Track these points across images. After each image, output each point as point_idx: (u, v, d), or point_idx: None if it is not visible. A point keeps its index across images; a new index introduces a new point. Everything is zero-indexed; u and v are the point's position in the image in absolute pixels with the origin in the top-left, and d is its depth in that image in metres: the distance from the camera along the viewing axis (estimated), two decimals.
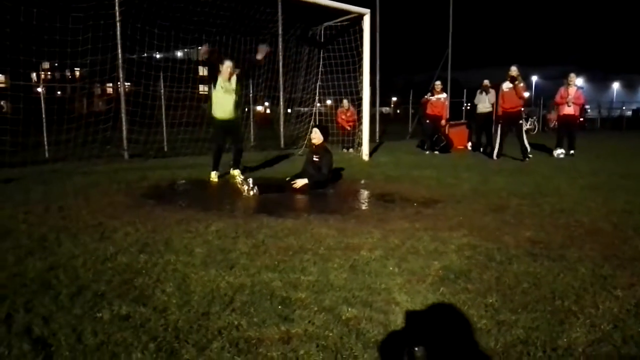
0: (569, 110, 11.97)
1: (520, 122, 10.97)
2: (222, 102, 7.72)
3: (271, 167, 9.70)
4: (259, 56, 7.83)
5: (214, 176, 7.84)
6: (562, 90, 12.12)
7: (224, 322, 2.51)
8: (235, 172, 7.77)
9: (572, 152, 12.06)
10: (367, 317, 2.57)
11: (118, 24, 10.73)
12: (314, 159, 7.16)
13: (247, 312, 2.63)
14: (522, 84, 10.81)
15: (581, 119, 35.15)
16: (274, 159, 10.98)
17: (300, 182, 6.85)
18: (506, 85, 10.99)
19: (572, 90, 11.95)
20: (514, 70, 10.85)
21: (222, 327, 2.46)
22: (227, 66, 7.71)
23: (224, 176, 8.03)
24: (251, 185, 6.52)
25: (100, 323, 2.50)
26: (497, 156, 11.07)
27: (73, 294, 2.88)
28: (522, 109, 11.08)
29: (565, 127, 12.19)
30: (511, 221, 4.89)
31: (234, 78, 7.80)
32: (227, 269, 3.35)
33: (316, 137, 7.26)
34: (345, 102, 14.14)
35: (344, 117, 14.42)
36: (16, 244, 3.96)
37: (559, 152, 11.98)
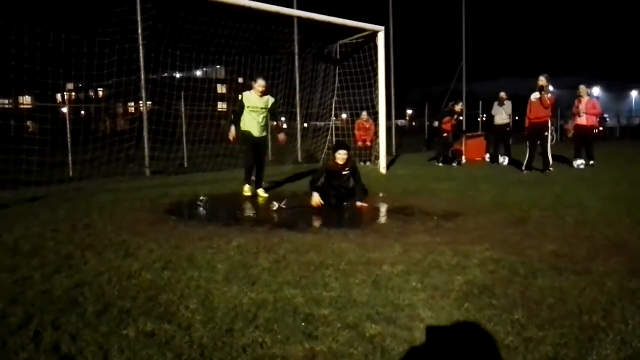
0: (581, 120, 12.00)
1: (546, 133, 10.72)
2: (253, 121, 7.70)
3: (292, 182, 9.71)
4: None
5: (247, 189, 7.84)
6: (575, 102, 12.23)
7: (247, 339, 2.51)
8: (260, 192, 7.85)
9: (591, 162, 11.91)
10: (391, 334, 2.55)
11: (141, 47, 11.03)
12: (343, 172, 6.96)
13: (271, 328, 2.64)
14: (548, 95, 10.59)
15: (600, 128, 34.87)
16: (293, 173, 11.01)
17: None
18: (534, 96, 10.80)
19: (584, 101, 11.99)
20: (542, 80, 10.60)
21: (247, 344, 2.46)
22: (259, 85, 7.67)
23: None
24: (282, 204, 6.62)
25: (126, 340, 2.52)
26: (527, 168, 10.90)
27: (99, 311, 2.92)
28: (549, 120, 10.87)
29: (580, 137, 12.13)
30: (533, 234, 4.83)
31: (267, 97, 7.78)
32: (250, 284, 3.37)
33: (345, 157, 6.91)
34: (364, 113, 14.17)
35: (362, 130, 14.44)
36: (43, 261, 4.04)
37: (579, 162, 11.85)
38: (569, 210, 6.03)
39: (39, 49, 9.72)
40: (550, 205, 6.45)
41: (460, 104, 14.45)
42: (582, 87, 12.12)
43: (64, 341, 2.51)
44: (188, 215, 6.46)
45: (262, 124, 7.84)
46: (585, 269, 3.63)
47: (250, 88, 7.89)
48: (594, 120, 12.23)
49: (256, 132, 7.76)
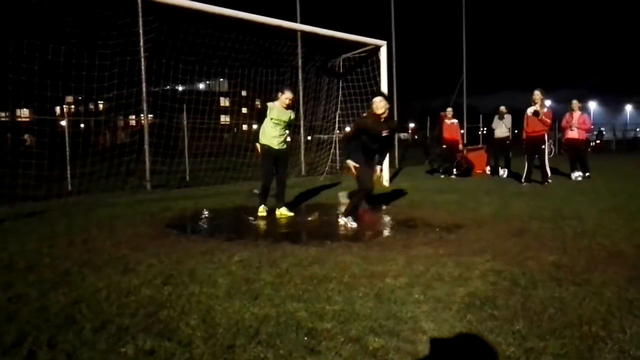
0: (572, 134, 12.19)
1: (543, 147, 10.87)
2: (273, 133, 7.18)
3: (297, 196, 9.69)
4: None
5: (262, 210, 7.25)
6: (567, 115, 12.45)
7: (249, 355, 2.50)
8: (283, 210, 7.30)
9: (587, 174, 11.99)
10: (394, 347, 2.55)
11: (143, 59, 11.05)
12: (384, 133, 6.20)
13: (273, 344, 2.62)
14: (545, 110, 10.78)
15: (598, 142, 35.16)
16: (296, 186, 11.00)
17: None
18: (530, 110, 10.95)
19: (575, 115, 12.23)
20: (537, 94, 10.83)
21: None
22: (286, 97, 7.20)
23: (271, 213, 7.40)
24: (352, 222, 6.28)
25: (125, 358, 2.49)
26: (527, 180, 10.94)
27: (97, 328, 2.88)
28: (546, 133, 11.03)
29: (572, 150, 12.33)
30: (534, 245, 4.85)
31: (291, 110, 7.38)
32: (252, 299, 3.35)
33: (383, 105, 6.12)
34: None
35: None
36: (40, 278, 4.00)
37: (577, 174, 11.96)
38: (568, 221, 6.06)
39: (38, 60, 9.67)
40: (550, 217, 6.48)
41: (449, 109, 14.50)
42: (575, 102, 12.41)
43: None
44: (190, 230, 6.44)
45: (284, 136, 7.31)
46: (585, 279, 3.65)
47: (255, 99, 7.57)
48: (584, 135, 12.52)
49: (276, 144, 7.21)
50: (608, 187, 9.96)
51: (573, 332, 2.70)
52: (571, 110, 12.35)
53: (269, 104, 7.26)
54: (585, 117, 12.47)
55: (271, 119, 7.17)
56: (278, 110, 7.21)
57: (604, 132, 44.18)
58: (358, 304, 3.20)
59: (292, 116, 7.45)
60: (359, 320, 2.93)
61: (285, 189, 7.54)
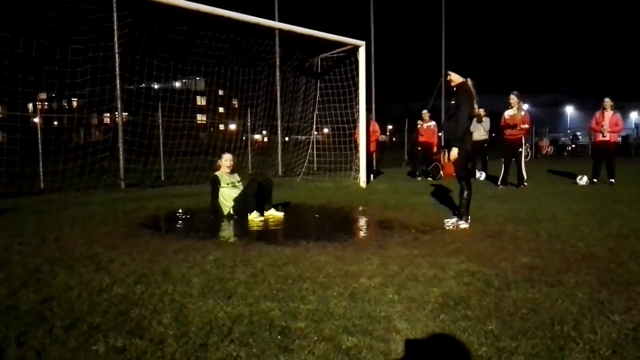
0: (604, 137, 11.15)
1: (520, 149, 11.01)
2: (230, 197, 7.17)
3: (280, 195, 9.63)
4: None
5: (255, 216, 6.93)
6: (597, 115, 11.37)
7: (222, 353, 2.47)
8: (272, 212, 7.12)
9: (611, 180, 11.12)
10: (367, 346, 2.54)
11: (117, 56, 10.86)
12: (451, 102, 6.24)
13: (246, 342, 2.60)
14: (522, 113, 10.91)
15: (573, 146, 35.37)
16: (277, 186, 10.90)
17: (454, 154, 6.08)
18: (507, 113, 11.07)
19: (607, 115, 11.14)
20: (513, 98, 10.92)
21: (221, 358, 2.42)
22: (226, 159, 7.33)
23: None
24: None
25: (96, 356, 2.45)
26: (503, 183, 11.08)
27: (67, 326, 2.83)
28: (523, 137, 11.15)
29: (601, 154, 11.35)
30: (508, 247, 4.89)
31: (235, 173, 7.51)
32: (225, 298, 3.32)
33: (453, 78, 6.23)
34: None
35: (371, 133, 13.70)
36: (10, 275, 3.92)
37: (585, 179, 11.56)
38: (543, 224, 6.14)
39: (8, 55, 9.44)
40: (525, 219, 6.56)
41: (425, 110, 14.67)
42: (607, 100, 11.11)
43: (29, 357, 2.43)
44: (164, 229, 6.36)
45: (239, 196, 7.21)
46: (558, 280, 3.69)
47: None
48: (616, 137, 11.42)
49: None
50: (583, 190, 10.16)
51: (545, 332, 2.73)
52: (602, 109, 11.21)
53: (217, 173, 7.30)
54: (617, 117, 11.19)
55: (227, 184, 7.21)
56: (226, 176, 7.30)
57: (579, 137, 45.09)
58: (332, 304, 3.19)
59: (239, 178, 7.50)
60: (332, 320, 2.92)
61: (271, 191, 7.35)
